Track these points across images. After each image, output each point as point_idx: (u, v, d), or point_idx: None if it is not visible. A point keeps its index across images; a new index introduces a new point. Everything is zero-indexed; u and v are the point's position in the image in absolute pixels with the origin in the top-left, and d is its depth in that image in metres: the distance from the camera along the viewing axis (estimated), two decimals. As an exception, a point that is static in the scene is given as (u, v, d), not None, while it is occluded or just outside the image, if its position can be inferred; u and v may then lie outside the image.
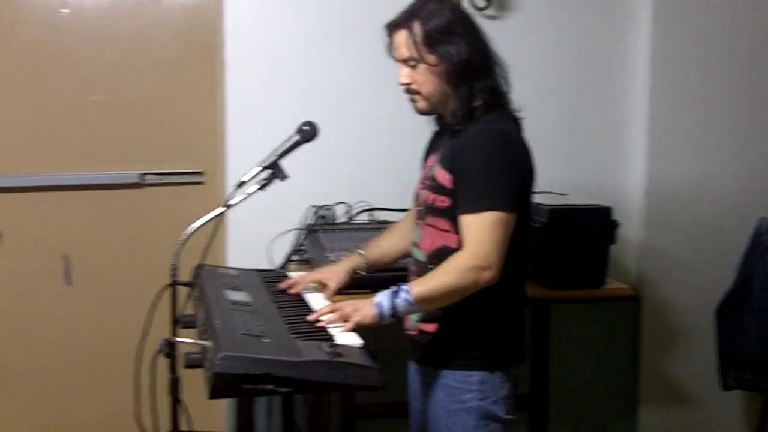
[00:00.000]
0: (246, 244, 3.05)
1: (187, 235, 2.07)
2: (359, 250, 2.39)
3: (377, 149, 3.13)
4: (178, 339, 1.85)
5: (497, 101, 2.11)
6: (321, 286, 2.34)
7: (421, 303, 1.98)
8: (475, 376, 2.08)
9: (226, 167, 3.05)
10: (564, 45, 3.23)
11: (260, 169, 2.14)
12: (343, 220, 3.04)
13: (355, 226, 2.96)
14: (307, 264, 2.89)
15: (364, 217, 3.07)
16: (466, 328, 2.10)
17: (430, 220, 2.13)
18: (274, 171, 2.13)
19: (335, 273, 2.32)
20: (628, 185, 3.32)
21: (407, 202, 3.09)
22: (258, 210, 2.78)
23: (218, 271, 2.41)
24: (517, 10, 3.17)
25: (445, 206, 2.07)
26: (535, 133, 2.16)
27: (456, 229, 2.06)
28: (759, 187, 3.34)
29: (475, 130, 2.05)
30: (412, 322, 2.20)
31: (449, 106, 2.11)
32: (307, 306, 2.17)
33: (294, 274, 2.53)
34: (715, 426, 3.42)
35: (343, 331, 1.95)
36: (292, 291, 2.30)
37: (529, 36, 3.18)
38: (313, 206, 3.00)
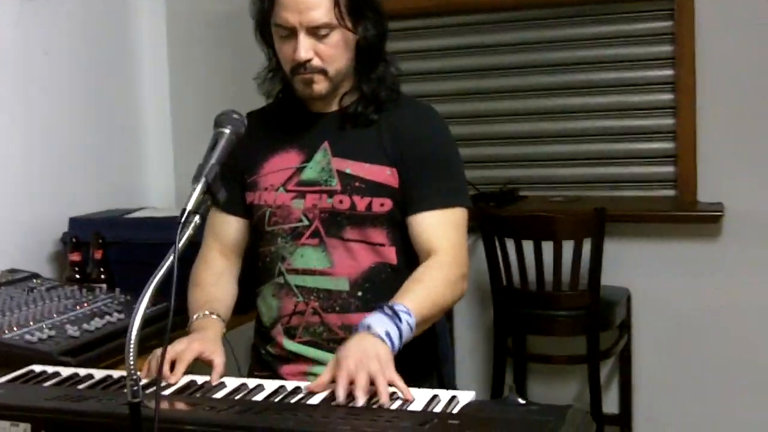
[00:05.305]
0: None
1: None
2: (205, 312, 1.69)
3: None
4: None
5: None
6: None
7: (419, 325, 1.53)
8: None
9: None
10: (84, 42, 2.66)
11: (201, 188, 1.31)
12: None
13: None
14: None
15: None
16: (414, 355, 1.59)
17: (353, 233, 1.67)
18: (212, 190, 1.34)
19: (216, 344, 1.59)
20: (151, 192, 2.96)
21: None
22: None
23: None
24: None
25: (385, 211, 1.67)
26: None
27: (393, 240, 1.69)
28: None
29: (418, 113, 1.74)
30: None
31: (343, 87, 1.71)
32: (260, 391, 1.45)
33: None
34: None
35: (407, 396, 1.35)
36: (178, 376, 1.50)
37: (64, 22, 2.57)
38: None
